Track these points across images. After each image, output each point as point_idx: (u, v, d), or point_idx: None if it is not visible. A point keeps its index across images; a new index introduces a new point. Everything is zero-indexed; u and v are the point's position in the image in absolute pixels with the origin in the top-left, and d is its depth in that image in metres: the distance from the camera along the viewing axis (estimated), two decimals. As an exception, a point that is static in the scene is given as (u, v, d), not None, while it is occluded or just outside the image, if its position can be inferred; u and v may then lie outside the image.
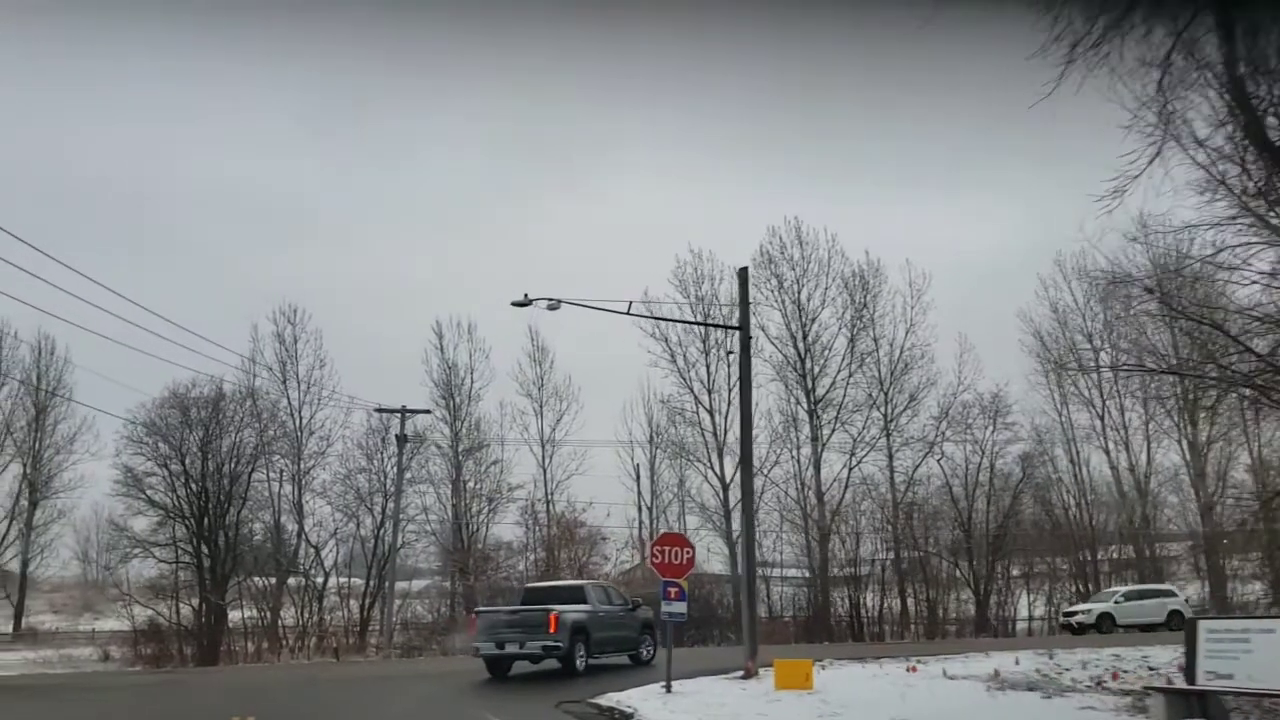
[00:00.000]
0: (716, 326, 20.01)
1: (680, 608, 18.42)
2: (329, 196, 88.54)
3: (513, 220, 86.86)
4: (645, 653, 23.90)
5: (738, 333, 20.29)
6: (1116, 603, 40.10)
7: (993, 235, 74.02)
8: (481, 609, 25.06)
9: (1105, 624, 38.97)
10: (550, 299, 22.06)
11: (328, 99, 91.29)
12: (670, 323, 45.52)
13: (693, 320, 19.77)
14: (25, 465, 51.18)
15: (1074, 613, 41.25)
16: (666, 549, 18.47)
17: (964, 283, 70.87)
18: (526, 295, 22.04)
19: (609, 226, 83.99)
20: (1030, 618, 45.63)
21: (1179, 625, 38.37)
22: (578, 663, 21.38)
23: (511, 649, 21.47)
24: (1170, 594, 41.15)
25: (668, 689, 18.02)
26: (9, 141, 71.77)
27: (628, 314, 21.35)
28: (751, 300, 48.40)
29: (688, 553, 18.52)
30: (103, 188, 79.84)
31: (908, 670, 20.29)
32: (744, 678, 19.73)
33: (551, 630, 20.91)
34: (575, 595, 22.76)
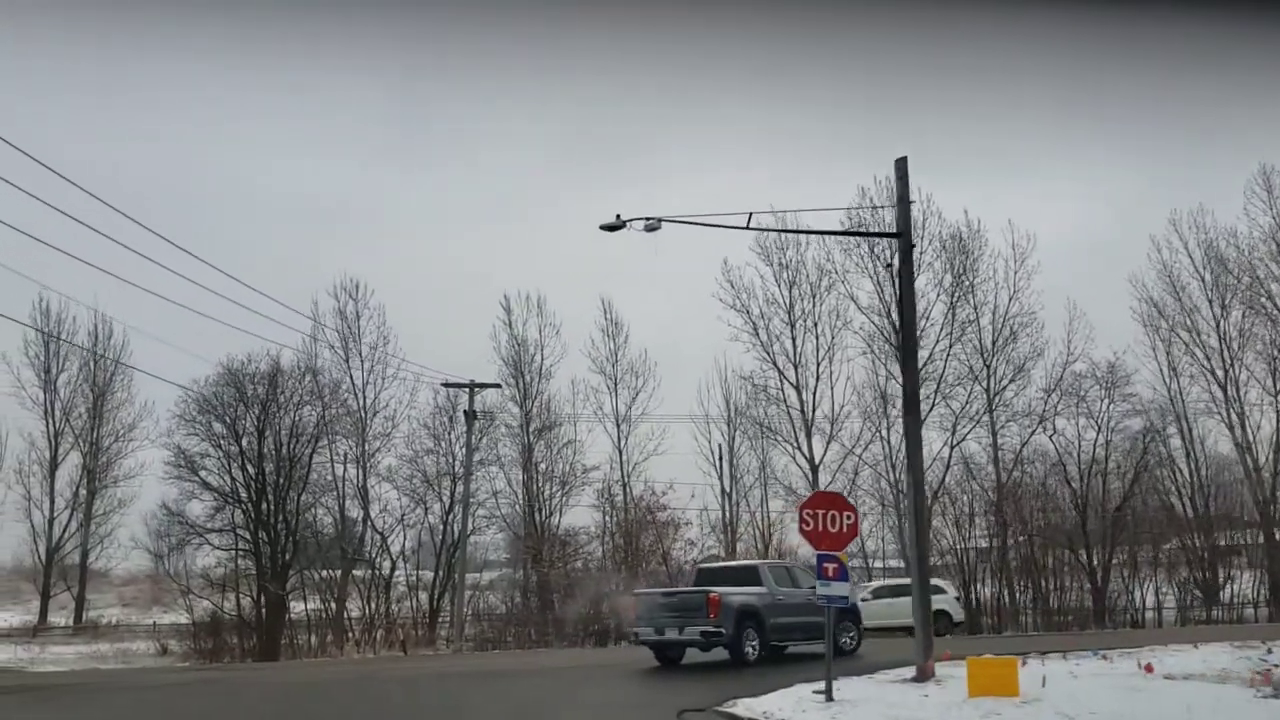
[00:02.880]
0: (868, 235, 15.00)
1: (842, 589, 13.67)
2: (389, 196, 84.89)
3: (575, 213, 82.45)
4: (847, 641, 20.44)
5: (896, 240, 15.42)
6: (863, 600, 31.21)
7: (1101, 198, 67.54)
8: (640, 591, 22.48)
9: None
10: (648, 218, 17.62)
11: (383, 99, 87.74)
12: (796, 242, 40.46)
13: (833, 231, 15.08)
14: (84, 454, 47.75)
15: None
16: (820, 514, 13.67)
17: (1071, 247, 64.60)
18: (619, 216, 17.73)
19: (677, 210, 79.38)
20: (1159, 607, 39.71)
21: (946, 629, 31.10)
22: (747, 652, 18.39)
23: (671, 634, 18.72)
24: (937, 590, 31.74)
25: (828, 696, 13.26)
26: (94, 137, 68.90)
27: (747, 228, 16.65)
28: (842, 267, 44.46)
29: (849, 518, 13.72)
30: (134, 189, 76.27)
31: (1142, 669, 15.21)
32: (917, 679, 14.86)
33: (711, 615, 17.91)
34: (748, 576, 19.77)
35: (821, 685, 13.65)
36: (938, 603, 30.37)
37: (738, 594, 18.71)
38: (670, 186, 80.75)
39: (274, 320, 56.43)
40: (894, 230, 15.43)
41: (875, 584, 33.77)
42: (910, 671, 15.86)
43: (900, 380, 41.84)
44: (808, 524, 13.62)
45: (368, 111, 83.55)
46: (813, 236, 42.52)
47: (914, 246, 15.49)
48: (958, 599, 33.28)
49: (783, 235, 42.15)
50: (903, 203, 15.47)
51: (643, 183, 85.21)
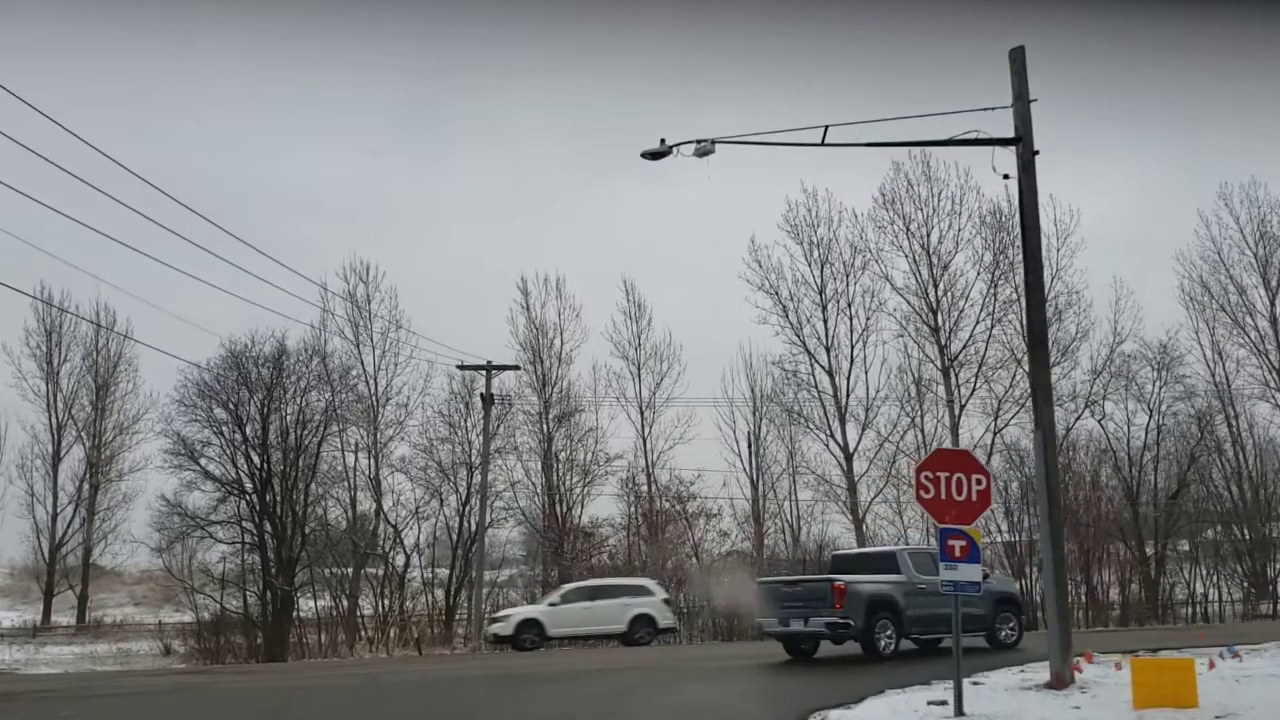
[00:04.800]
0: (981, 144, 11.97)
1: (972, 573, 10.42)
2: (398, 190, 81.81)
3: (590, 207, 79.31)
4: (1006, 634, 18.01)
5: (1013, 149, 12.16)
6: (552, 605, 26.68)
7: (1136, 180, 63.71)
8: (763, 580, 20.79)
9: (529, 637, 25.56)
10: (699, 141, 14.60)
11: (390, 92, 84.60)
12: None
13: (937, 141, 12.11)
14: (87, 448, 44.68)
15: (497, 619, 27.74)
16: (943, 477, 10.46)
17: (1107, 229, 60.93)
18: (663, 141, 14.80)
19: (699, 201, 75.97)
20: (1220, 601, 36.35)
21: (649, 636, 25.84)
22: (881, 645, 16.43)
23: (795, 626, 16.97)
24: (641, 591, 27.07)
25: (957, 710, 10.06)
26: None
27: (822, 144, 13.37)
28: (876, 246, 41.23)
29: (979, 482, 10.49)
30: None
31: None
32: (1053, 685, 11.62)
33: (836, 605, 16.03)
34: (885, 563, 17.67)
35: (944, 691, 10.48)
36: (640, 606, 26.20)
37: (869, 582, 16.75)
38: (688, 183, 77.83)
39: (284, 290, 52.39)
40: (1011, 136, 12.16)
41: (571, 585, 28.53)
42: (1035, 672, 12.70)
43: (938, 364, 39.53)
44: (927, 490, 10.42)
45: (375, 105, 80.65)
46: (845, 214, 39.65)
47: (1037, 153, 12.23)
48: (666, 602, 27.37)
49: (814, 212, 39.35)
50: (1021, 101, 12.24)
51: (659, 177, 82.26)
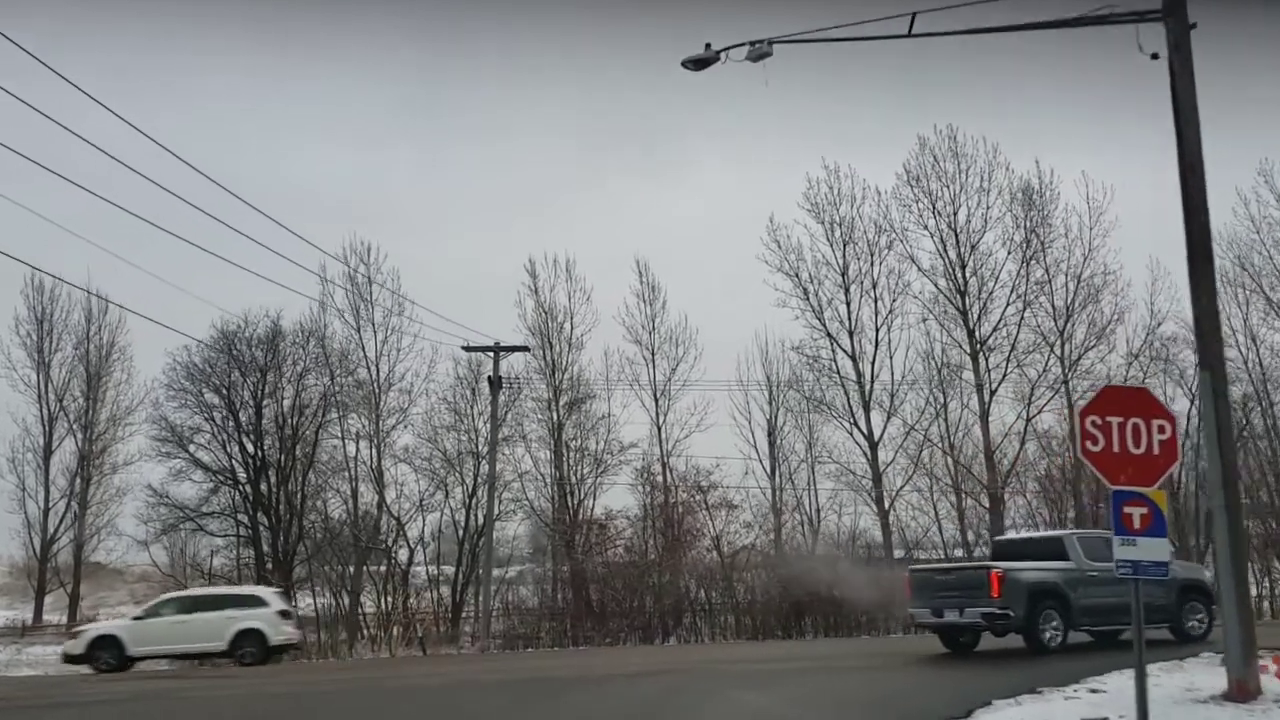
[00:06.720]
0: (1115, 21, 9.40)
1: (1156, 550, 7.65)
2: (402, 186, 79.11)
3: (599, 201, 76.58)
4: (1195, 625, 15.96)
5: (1161, 24, 9.42)
6: (136, 619, 22.16)
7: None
8: (915, 567, 19.71)
9: (105, 656, 20.91)
10: (755, 42, 12.16)
11: (395, 87, 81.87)
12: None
13: (1067, 20, 9.89)
14: (78, 440, 41.87)
15: (74, 634, 22.88)
16: (1114, 423, 7.70)
17: (1152, 201, 57.97)
18: (709, 46, 12.38)
19: (715, 189, 73.34)
20: (1273, 596, 33.62)
21: (258, 655, 21.28)
22: (1046, 637, 14.74)
23: (950, 617, 15.46)
24: (252, 602, 22.20)
25: (1143, 730, 7.29)
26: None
27: (909, 35, 10.74)
28: (900, 225, 38.19)
29: (1162, 430, 7.73)
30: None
31: None
32: (1234, 698, 8.86)
33: (994, 594, 14.42)
34: (1051, 549, 15.97)
35: (1086, 702, 7.74)
36: (248, 620, 21.51)
37: (1031, 569, 15.16)
38: (699, 176, 75.33)
39: (288, 258, 49.02)
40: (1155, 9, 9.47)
41: (167, 596, 24.25)
42: (1175, 672, 9.97)
43: (966, 348, 36.79)
44: (1095, 441, 7.65)
45: (376, 101, 77.96)
46: (869, 191, 36.86)
47: (1194, 26, 9.53)
48: (284, 614, 22.37)
49: (836, 190, 36.58)
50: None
51: (663, 172, 79.65)
